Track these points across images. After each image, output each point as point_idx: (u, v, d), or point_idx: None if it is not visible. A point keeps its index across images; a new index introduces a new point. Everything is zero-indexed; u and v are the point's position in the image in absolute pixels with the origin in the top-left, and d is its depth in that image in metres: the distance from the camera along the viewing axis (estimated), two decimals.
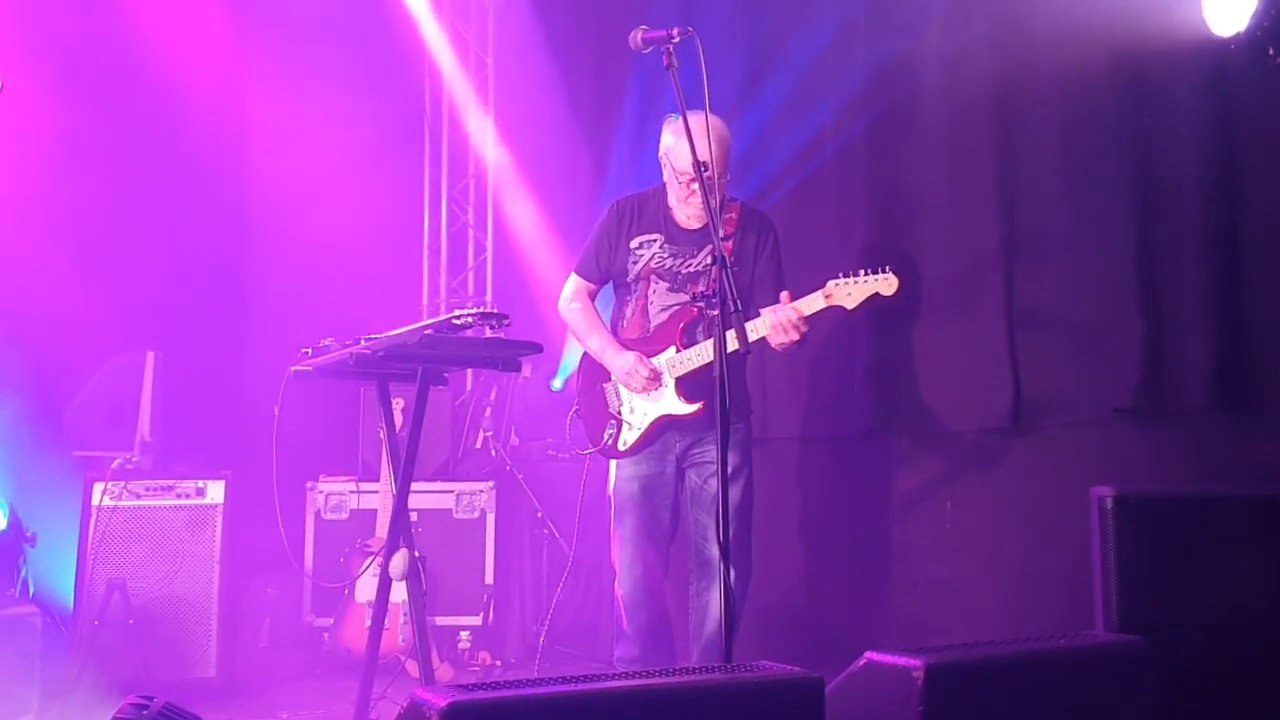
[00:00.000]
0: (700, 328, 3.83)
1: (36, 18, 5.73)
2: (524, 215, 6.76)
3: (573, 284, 4.07)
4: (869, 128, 4.85)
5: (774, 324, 3.62)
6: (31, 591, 4.84)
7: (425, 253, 7.09)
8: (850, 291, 3.63)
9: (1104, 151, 4.18)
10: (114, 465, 4.88)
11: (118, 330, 5.63)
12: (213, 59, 6.32)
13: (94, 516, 4.69)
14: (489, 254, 7.07)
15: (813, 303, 3.66)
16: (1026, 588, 4.31)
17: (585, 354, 4.05)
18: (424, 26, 6.94)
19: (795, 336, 3.62)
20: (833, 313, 3.71)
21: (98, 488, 4.74)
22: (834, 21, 4.90)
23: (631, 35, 3.26)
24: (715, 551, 3.67)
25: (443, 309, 6.97)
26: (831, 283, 3.66)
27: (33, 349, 5.49)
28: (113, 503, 4.71)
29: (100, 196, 5.87)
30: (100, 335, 5.64)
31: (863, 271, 3.63)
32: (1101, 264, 4.17)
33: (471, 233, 7.14)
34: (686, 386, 3.81)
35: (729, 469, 2.98)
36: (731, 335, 3.06)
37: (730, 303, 2.92)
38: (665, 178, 3.91)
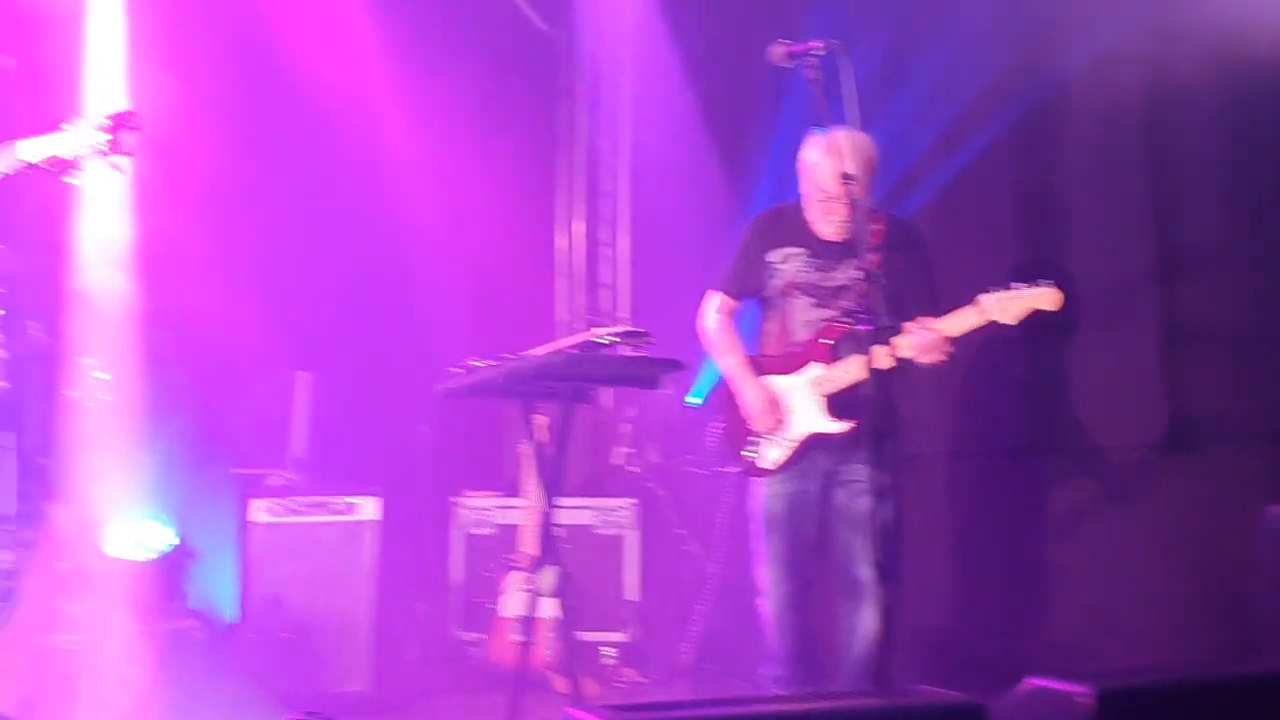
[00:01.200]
0: (848, 344, 3.76)
1: (194, 44, 5.99)
2: (659, 232, 6.79)
3: (713, 301, 4.04)
4: (1012, 133, 4.72)
5: (918, 345, 3.55)
6: (195, 605, 5.04)
7: (560, 271, 7.17)
8: (1006, 306, 3.52)
9: (1264, 154, 3.99)
10: (269, 482, 5.06)
11: (272, 351, 5.84)
12: (360, 83, 6.52)
13: (252, 532, 4.86)
14: (626, 272, 7.11)
15: (963, 319, 3.57)
16: (1184, 611, 4.14)
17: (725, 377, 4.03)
18: (560, 47, 7.04)
19: (941, 358, 3.55)
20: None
21: (255, 504, 4.91)
22: (973, 22, 4.79)
23: (772, 49, 3.24)
24: (864, 572, 3.63)
25: (578, 327, 7.04)
26: (984, 297, 3.55)
27: (193, 370, 5.73)
28: (269, 519, 4.87)
29: (255, 221, 6.10)
30: (256, 356, 5.86)
31: (1018, 284, 3.52)
32: (1263, 274, 3.99)
33: (606, 251, 7.19)
34: (835, 404, 3.74)
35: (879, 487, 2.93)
36: (882, 351, 3.01)
37: (881, 319, 2.88)
38: (805, 191, 3.87)
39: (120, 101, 2.98)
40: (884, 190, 4.57)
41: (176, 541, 5.18)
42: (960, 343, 3.58)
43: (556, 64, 7.17)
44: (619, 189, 7.11)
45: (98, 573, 4.12)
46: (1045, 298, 3.49)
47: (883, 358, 3.01)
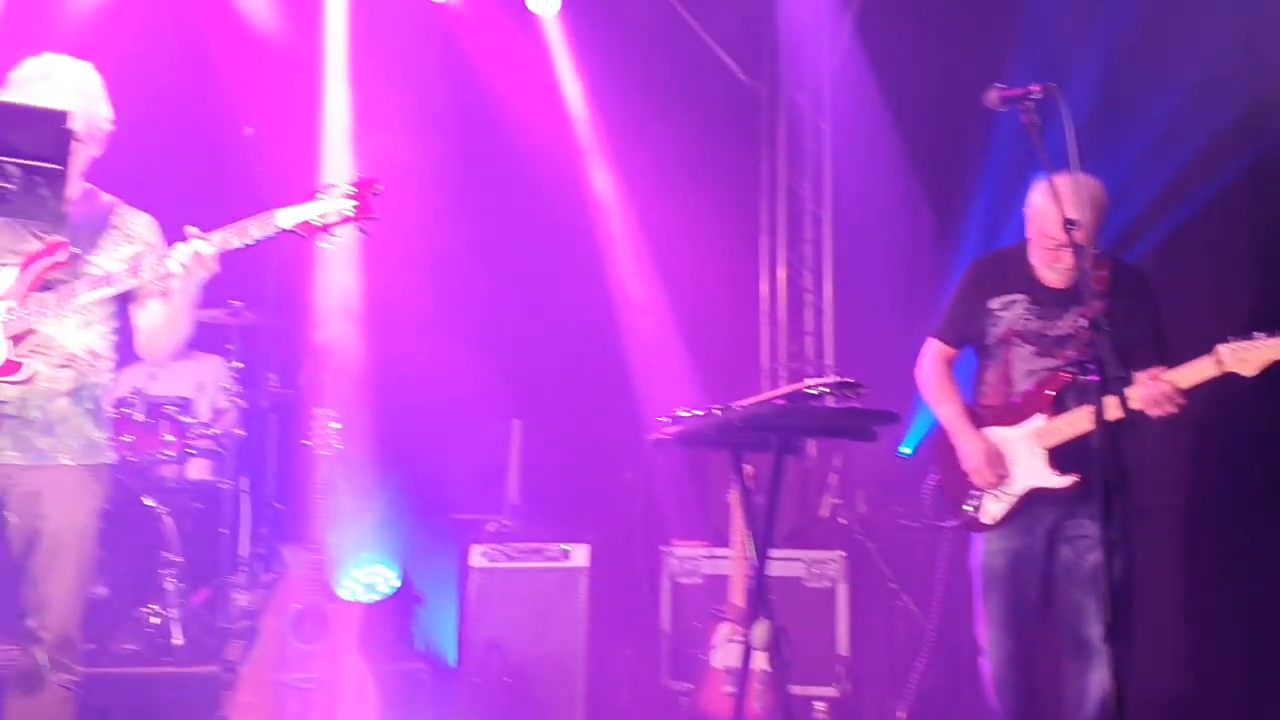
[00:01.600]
0: (1072, 394, 3.62)
1: (416, 111, 6.33)
2: (863, 278, 6.73)
3: (930, 349, 3.95)
4: (1247, 177, 4.49)
5: (1148, 397, 3.39)
6: (420, 647, 5.25)
7: (764, 318, 7.18)
8: (1245, 357, 3.32)
9: None
10: (488, 528, 5.23)
11: (488, 401, 6.07)
12: (569, 141, 6.77)
13: (472, 577, 5.03)
14: (828, 318, 7.06)
15: (1199, 370, 3.38)
16: None
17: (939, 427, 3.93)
18: (762, 97, 7.11)
19: (1172, 410, 3.39)
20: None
21: (475, 549, 5.08)
22: (1200, 63, 4.60)
23: (988, 94, 3.18)
24: (1094, 631, 3.47)
25: (782, 374, 7.02)
26: (1223, 347, 3.35)
27: (415, 422, 6.01)
28: (488, 564, 5.03)
29: (473, 277, 6.39)
30: (473, 407, 6.11)
31: (1259, 334, 3.32)
32: None
33: (809, 296, 7.17)
34: (1059, 457, 3.60)
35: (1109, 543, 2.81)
36: (1112, 403, 2.90)
37: (1109, 369, 2.77)
38: (1030, 235, 3.75)
39: (352, 166, 3.18)
40: (1108, 236, 4.43)
41: (396, 585, 5.41)
42: (1192, 395, 3.41)
43: (759, 114, 7.24)
44: (822, 235, 7.09)
45: (330, 614, 4.33)
46: None
47: (1112, 410, 2.88)
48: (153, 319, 3.24)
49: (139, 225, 3.30)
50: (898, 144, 6.37)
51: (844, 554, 5.43)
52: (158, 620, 4.83)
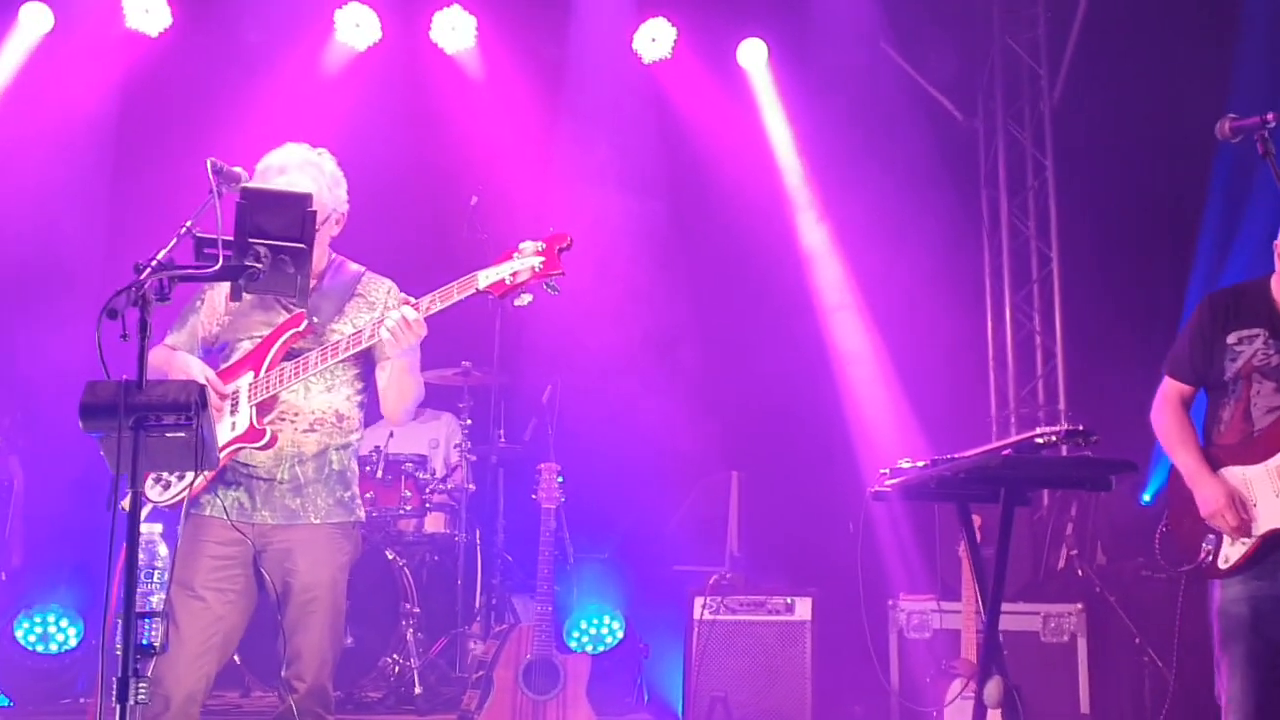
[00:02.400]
0: None
1: (626, 166, 6.51)
2: (1096, 318, 6.46)
3: (1165, 389, 3.76)
4: None
5: None
6: (647, 698, 5.29)
7: (991, 363, 6.98)
8: None
9: None
10: (710, 581, 5.25)
11: (708, 454, 6.11)
12: (780, 191, 6.80)
13: (696, 629, 5.06)
14: (1059, 361, 6.80)
15: None
16: None
17: (1172, 470, 3.72)
18: (979, 133, 6.98)
19: None
20: None
21: (698, 601, 5.11)
22: None
23: (1219, 125, 3.05)
24: None
25: (1012, 419, 6.80)
26: None
27: (637, 475, 6.11)
28: (711, 616, 5.05)
29: (687, 332, 6.49)
30: (694, 459, 6.16)
31: None
32: None
33: (1039, 339, 6.92)
34: None
35: None
36: None
37: None
38: (1279, 265, 3.55)
39: (555, 225, 3.27)
40: None
41: (620, 636, 5.49)
42: None
43: (977, 153, 7.09)
44: (1051, 274, 6.85)
45: (559, 664, 4.43)
46: None
47: None
48: (384, 381, 3.41)
49: (380, 291, 3.47)
50: (1122, 178, 6.12)
51: (1082, 607, 5.19)
52: (399, 669, 5.07)
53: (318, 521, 3.32)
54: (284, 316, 3.32)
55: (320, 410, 3.34)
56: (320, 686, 3.27)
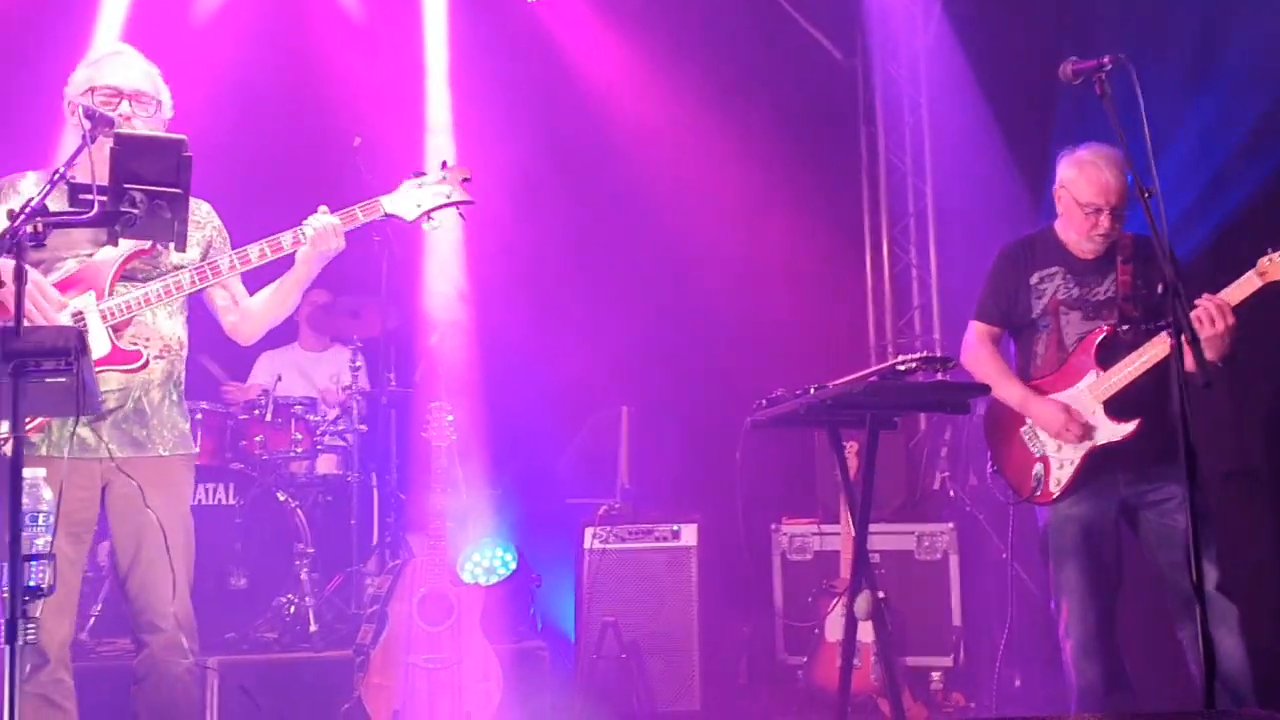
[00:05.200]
0: (1120, 349, 3.71)
1: (507, 103, 6.52)
2: (967, 251, 6.69)
3: (973, 331, 4.06)
4: None
5: (1201, 315, 3.41)
6: (539, 627, 5.45)
7: (869, 295, 7.19)
8: None
9: None
10: (600, 511, 5.40)
11: (597, 389, 6.23)
12: (665, 127, 6.87)
13: (586, 559, 5.21)
14: (934, 292, 7.05)
15: (1245, 285, 3.43)
16: None
17: (990, 403, 3.96)
18: (857, 75, 7.12)
19: (1220, 327, 3.40)
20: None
21: (588, 532, 5.26)
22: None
23: (1061, 67, 3.24)
24: (1209, 579, 3.48)
25: (890, 350, 7.04)
26: (1264, 259, 3.39)
27: (529, 413, 6.21)
28: (601, 546, 5.21)
29: (572, 269, 6.57)
30: (583, 394, 6.28)
31: None
32: None
33: (915, 272, 7.16)
34: (1115, 408, 3.67)
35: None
36: (1161, 345, 3.00)
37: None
38: (1061, 211, 3.88)
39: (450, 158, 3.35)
40: (1187, 201, 4.42)
41: (513, 567, 5.62)
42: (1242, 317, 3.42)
43: (855, 91, 7.25)
44: (925, 208, 7.07)
45: (453, 597, 4.54)
46: None
47: (1160, 349, 3.26)
48: (263, 298, 3.38)
49: (202, 211, 3.43)
50: (991, 116, 6.33)
51: (954, 526, 5.47)
52: (294, 608, 5.13)
53: (166, 454, 3.25)
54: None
55: (167, 336, 3.27)
56: (188, 620, 3.22)
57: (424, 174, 3.34)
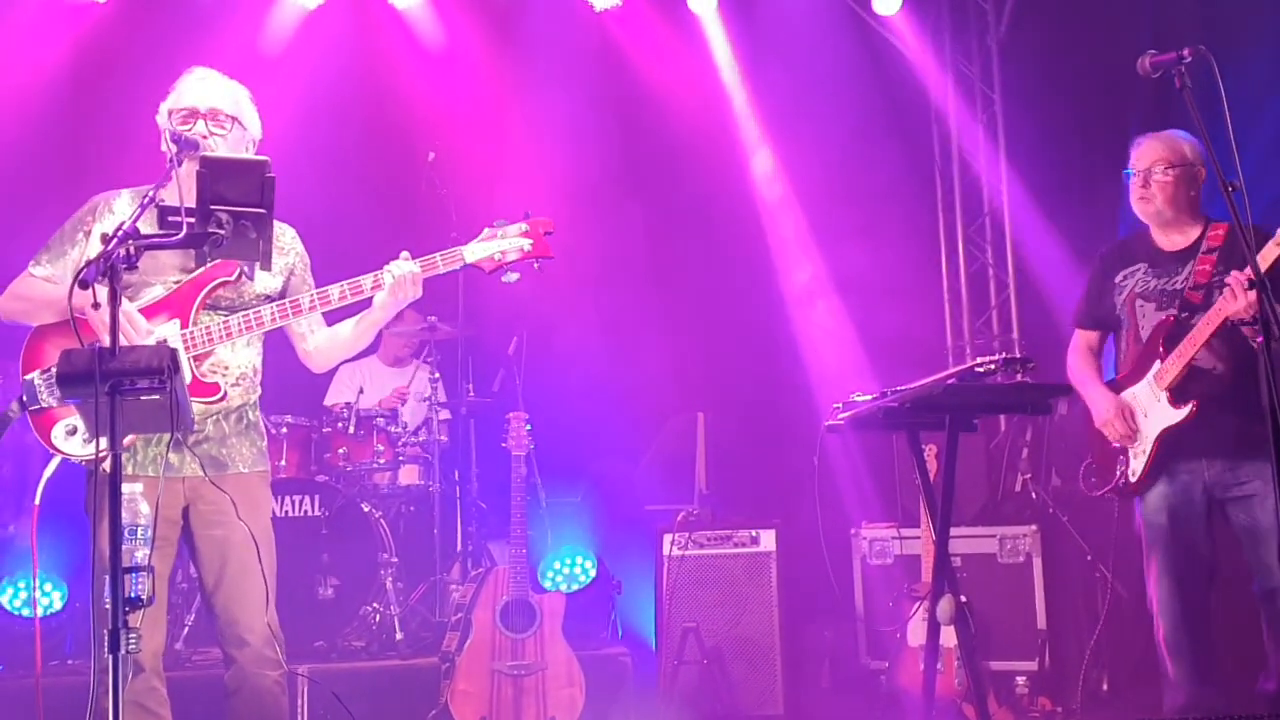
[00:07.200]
0: (1181, 335, 3.69)
1: (580, 115, 6.57)
2: (1045, 249, 6.61)
3: (1073, 339, 4.12)
4: None
5: (1224, 297, 3.46)
6: (620, 633, 5.47)
7: (945, 296, 7.12)
8: None
9: None
10: (679, 518, 5.41)
11: (673, 396, 6.25)
12: (734, 134, 6.88)
13: (665, 565, 5.23)
14: (1011, 291, 6.96)
15: (1267, 254, 3.38)
16: None
17: (1085, 405, 4.00)
18: (928, 70, 7.06)
19: (1240, 301, 3.39)
20: None
21: (667, 538, 5.28)
22: None
23: (1140, 61, 3.20)
24: None
25: (968, 351, 6.96)
26: None
27: (605, 420, 6.25)
28: (680, 552, 5.22)
29: (645, 277, 6.61)
30: (659, 402, 6.31)
31: None
32: None
33: (991, 271, 7.07)
34: (1177, 395, 3.68)
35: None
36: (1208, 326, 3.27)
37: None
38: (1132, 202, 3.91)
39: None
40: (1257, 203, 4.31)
41: (593, 574, 5.66)
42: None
43: (926, 90, 7.18)
44: (1001, 207, 6.98)
45: (535, 604, 4.59)
46: None
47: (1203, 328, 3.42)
48: (340, 334, 3.44)
49: (287, 236, 3.47)
50: (1067, 111, 6.24)
51: (1037, 528, 5.39)
52: (380, 617, 5.22)
53: (246, 470, 3.32)
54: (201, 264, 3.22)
55: (243, 366, 3.33)
56: (277, 630, 3.26)
57: (506, 222, 3.39)
